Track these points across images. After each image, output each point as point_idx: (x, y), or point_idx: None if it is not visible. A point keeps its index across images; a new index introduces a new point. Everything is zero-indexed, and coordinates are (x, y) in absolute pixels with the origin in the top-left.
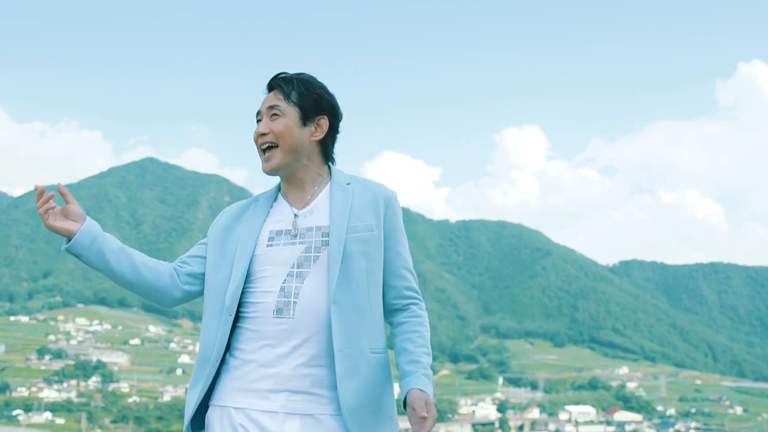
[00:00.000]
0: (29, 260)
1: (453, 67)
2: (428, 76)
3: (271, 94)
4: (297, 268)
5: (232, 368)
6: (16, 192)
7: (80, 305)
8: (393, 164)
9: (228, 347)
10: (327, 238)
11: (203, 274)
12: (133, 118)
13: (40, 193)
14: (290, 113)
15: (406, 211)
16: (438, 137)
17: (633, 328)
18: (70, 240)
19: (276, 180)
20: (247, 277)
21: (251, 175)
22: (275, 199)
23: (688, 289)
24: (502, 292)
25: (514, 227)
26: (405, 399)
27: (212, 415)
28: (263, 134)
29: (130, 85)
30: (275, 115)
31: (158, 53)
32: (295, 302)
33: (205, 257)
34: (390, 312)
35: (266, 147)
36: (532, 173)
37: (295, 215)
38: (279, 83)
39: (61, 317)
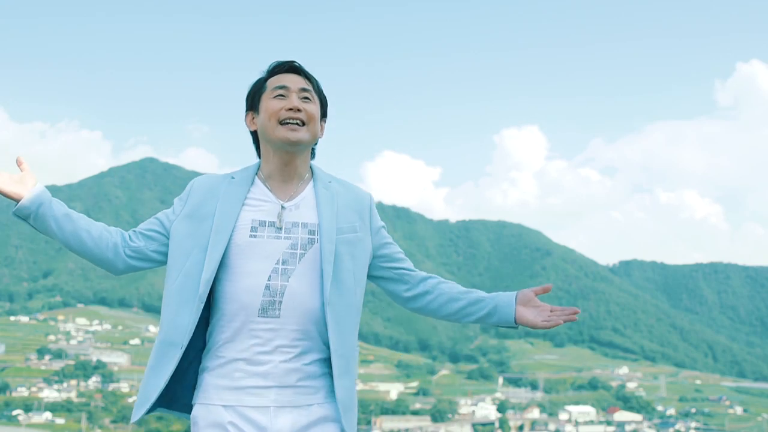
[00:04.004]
0: (29, 260)
1: (453, 67)
2: (428, 76)
3: (297, 77)
4: (282, 264)
5: (215, 366)
6: None
7: (80, 305)
8: (393, 164)
9: (203, 343)
10: (313, 236)
11: (150, 253)
12: (133, 118)
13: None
14: (317, 103)
15: (405, 211)
16: (438, 137)
17: (633, 328)
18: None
19: (250, 161)
20: (224, 267)
21: None
22: (252, 183)
23: (688, 289)
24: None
25: (514, 227)
26: (516, 298)
27: (198, 414)
28: (297, 109)
29: (130, 85)
30: (307, 98)
31: (158, 53)
32: (280, 301)
33: (158, 234)
34: (416, 285)
35: (294, 122)
36: (532, 173)
37: (282, 207)
38: (305, 71)
39: (61, 317)
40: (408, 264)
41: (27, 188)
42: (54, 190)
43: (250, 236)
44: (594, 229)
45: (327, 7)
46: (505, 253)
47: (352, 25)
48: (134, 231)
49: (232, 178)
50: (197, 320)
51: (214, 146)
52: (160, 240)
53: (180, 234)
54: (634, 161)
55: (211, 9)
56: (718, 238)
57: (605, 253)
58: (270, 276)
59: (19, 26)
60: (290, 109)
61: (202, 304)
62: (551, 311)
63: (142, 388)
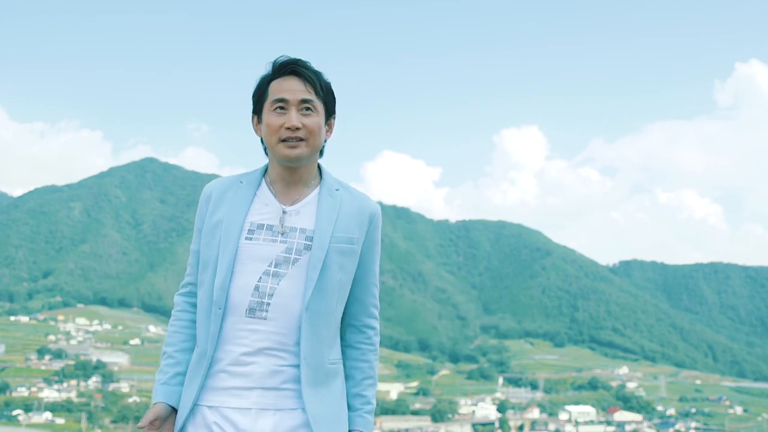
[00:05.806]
0: (29, 260)
1: (453, 67)
2: (428, 76)
3: (299, 82)
4: (274, 267)
5: (205, 368)
6: (16, 192)
7: (80, 305)
8: (393, 164)
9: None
10: (309, 243)
11: None
12: (133, 118)
13: None
14: (320, 111)
15: (405, 211)
16: (438, 137)
17: (633, 328)
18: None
19: (259, 163)
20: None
21: None
22: (258, 186)
23: (688, 289)
24: (502, 292)
25: (514, 227)
26: None
27: (189, 415)
28: (296, 128)
29: (130, 85)
30: (309, 110)
31: (158, 53)
32: (268, 303)
33: None
34: (348, 326)
35: (293, 140)
36: (532, 173)
37: (284, 212)
38: (308, 74)
39: (61, 317)
40: (369, 299)
41: (167, 418)
42: (54, 190)
43: (246, 239)
44: (594, 229)
45: (327, 7)
46: (505, 253)
47: (352, 25)
48: (191, 283)
49: (241, 182)
50: (219, 328)
51: (214, 146)
52: None
53: (202, 246)
54: (633, 161)
55: (211, 9)
56: (717, 238)
57: (605, 253)
58: (261, 277)
59: (19, 26)
60: (289, 128)
61: (221, 311)
62: None
63: (182, 399)
